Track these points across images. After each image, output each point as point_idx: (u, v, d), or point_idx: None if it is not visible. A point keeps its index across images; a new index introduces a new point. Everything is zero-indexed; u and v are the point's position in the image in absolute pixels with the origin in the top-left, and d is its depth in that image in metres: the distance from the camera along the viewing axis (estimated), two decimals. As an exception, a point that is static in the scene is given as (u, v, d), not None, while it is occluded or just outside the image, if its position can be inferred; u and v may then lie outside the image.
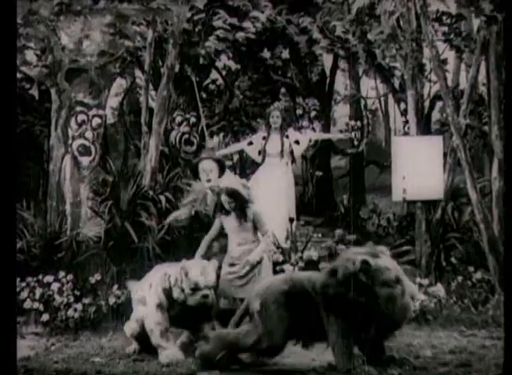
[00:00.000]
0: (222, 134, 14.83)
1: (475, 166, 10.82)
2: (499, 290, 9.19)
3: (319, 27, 12.58)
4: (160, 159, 11.29)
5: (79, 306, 8.87)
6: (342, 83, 15.42)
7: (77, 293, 9.10)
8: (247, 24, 12.48)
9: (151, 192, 10.65)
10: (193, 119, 13.10)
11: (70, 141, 10.59)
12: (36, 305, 8.97)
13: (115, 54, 10.87)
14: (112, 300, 8.97)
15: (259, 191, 9.51)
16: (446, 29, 11.86)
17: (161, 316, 7.39)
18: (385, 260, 6.72)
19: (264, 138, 10.70)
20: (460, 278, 9.61)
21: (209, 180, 8.13)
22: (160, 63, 12.25)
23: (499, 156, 9.87)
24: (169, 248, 10.46)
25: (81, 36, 10.46)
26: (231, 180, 7.81)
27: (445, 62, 11.58)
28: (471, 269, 9.77)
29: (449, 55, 12.30)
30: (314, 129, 13.62)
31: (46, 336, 8.69)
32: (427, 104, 11.85)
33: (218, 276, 7.57)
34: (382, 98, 15.48)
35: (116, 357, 7.50)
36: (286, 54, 13.51)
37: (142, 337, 7.57)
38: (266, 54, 13.49)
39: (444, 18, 11.77)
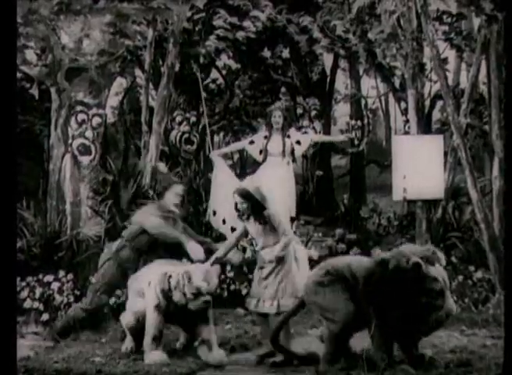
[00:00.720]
0: (222, 133, 14.83)
1: (476, 165, 10.81)
2: (500, 289, 9.18)
3: (319, 26, 12.58)
4: (160, 159, 11.30)
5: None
6: (342, 83, 15.42)
7: (77, 292, 9.09)
8: (247, 23, 12.48)
9: (151, 191, 10.65)
10: (193, 119, 13.10)
11: (70, 141, 10.58)
12: (36, 304, 8.98)
13: (116, 53, 10.86)
14: (112, 300, 8.96)
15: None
16: (446, 28, 11.86)
17: (158, 318, 7.37)
18: (437, 270, 6.71)
19: (265, 138, 10.70)
20: (460, 277, 9.60)
21: (177, 205, 8.32)
22: (160, 62, 12.25)
23: (499, 155, 9.86)
24: (169, 248, 10.46)
25: (81, 35, 10.46)
26: (247, 182, 7.76)
27: (445, 61, 11.58)
28: (472, 268, 9.76)
29: (450, 54, 12.30)
30: (314, 128, 13.62)
31: (46, 335, 8.69)
32: (427, 103, 11.86)
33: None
34: (383, 98, 15.49)
35: (116, 356, 7.49)
36: (286, 53, 13.52)
37: (136, 330, 7.57)
38: (266, 53, 13.49)
39: (445, 17, 11.77)
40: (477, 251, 10.15)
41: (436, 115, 13.08)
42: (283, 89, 14.48)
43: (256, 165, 10.91)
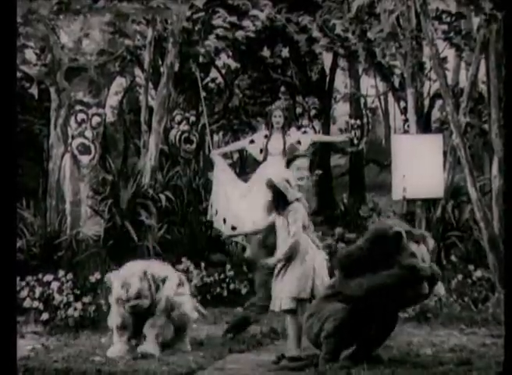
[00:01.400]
0: (221, 133, 14.85)
1: (475, 164, 10.82)
2: (500, 288, 9.19)
3: (319, 26, 12.58)
4: (160, 158, 11.30)
5: (79, 305, 8.85)
6: (342, 82, 15.46)
7: (77, 292, 9.08)
8: (246, 23, 12.48)
9: (150, 191, 10.66)
10: (192, 118, 13.11)
11: (70, 140, 10.58)
12: (36, 304, 8.97)
13: (115, 53, 10.87)
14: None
15: (260, 189, 9.50)
16: (445, 27, 11.87)
17: (119, 311, 7.48)
18: (419, 249, 6.72)
19: (265, 137, 10.71)
20: (460, 276, 9.61)
21: (302, 179, 7.91)
22: (160, 62, 12.26)
23: (499, 154, 9.87)
24: (169, 247, 10.48)
25: (81, 35, 10.46)
26: (276, 174, 7.67)
27: (445, 60, 11.58)
28: (471, 267, 9.77)
29: (449, 53, 12.31)
30: (314, 127, 13.63)
31: (46, 335, 8.69)
32: (427, 102, 11.88)
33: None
34: (382, 97, 15.53)
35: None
36: (285, 52, 13.54)
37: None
38: (266, 52, 13.51)
39: (444, 16, 11.77)
40: (476, 250, 10.17)
41: (436, 114, 13.11)
42: (283, 88, 14.50)
43: (256, 164, 10.92)
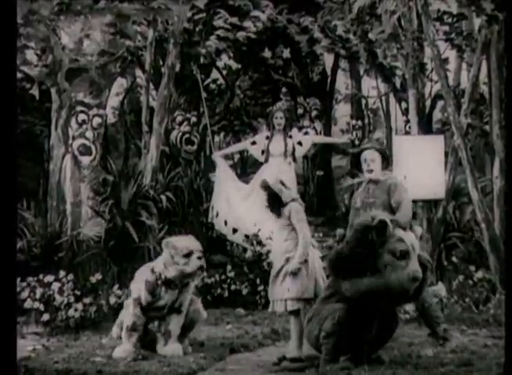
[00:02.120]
0: (222, 134, 14.83)
1: (476, 165, 10.82)
2: (501, 289, 9.18)
3: (320, 27, 12.58)
4: (161, 159, 11.30)
5: (79, 306, 8.85)
6: (343, 83, 15.41)
7: (78, 293, 9.08)
8: (247, 24, 12.47)
9: (151, 192, 10.66)
10: (193, 119, 13.10)
11: (71, 141, 10.59)
12: (36, 304, 8.96)
13: (116, 53, 10.87)
14: (112, 300, 8.97)
15: (261, 190, 9.49)
16: (447, 28, 11.85)
17: (135, 310, 7.46)
18: (407, 235, 6.72)
19: (267, 138, 10.71)
20: (461, 277, 9.60)
21: (371, 171, 7.75)
22: (161, 63, 12.26)
23: (500, 155, 9.86)
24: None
25: (81, 35, 10.46)
26: (269, 176, 7.68)
27: (446, 61, 11.57)
28: (472, 268, 9.76)
29: (451, 54, 12.29)
30: (315, 128, 13.62)
31: (46, 336, 8.69)
32: (428, 103, 11.86)
33: None
34: (383, 98, 15.46)
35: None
36: (286, 53, 13.51)
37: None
38: (267, 53, 13.48)
39: (445, 17, 11.76)
40: (477, 251, 10.16)
41: (437, 115, 13.08)
42: (284, 89, 14.48)
43: (257, 165, 10.92)
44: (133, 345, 7.46)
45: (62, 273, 9.25)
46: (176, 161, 12.57)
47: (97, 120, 10.70)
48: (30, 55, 10.44)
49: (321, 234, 11.47)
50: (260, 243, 10.32)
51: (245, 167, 14.62)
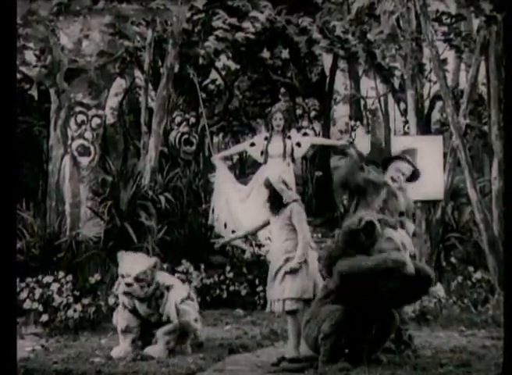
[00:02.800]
0: (221, 134, 14.84)
1: (475, 165, 10.83)
2: (499, 290, 9.19)
3: (319, 27, 12.58)
4: (159, 159, 11.30)
5: (78, 307, 8.85)
6: (342, 83, 15.44)
7: (77, 293, 9.08)
8: (246, 24, 12.47)
9: (150, 192, 10.66)
10: (192, 120, 13.10)
11: (70, 142, 10.59)
12: (35, 305, 8.96)
13: (115, 54, 10.87)
14: (111, 300, 8.96)
15: (260, 192, 9.50)
16: (445, 29, 11.86)
17: (123, 314, 7.53)
18: (399, 234, 6.73)
19: (266, 139, 10.71)
20: (459, 278, 9.61)
21: (394, 181, 7.74)
22: (159, 63, 12.25)
23: (498, 156, 9.87)
24: (169, 249, 10.47)
25: (80, 36, 10.46)
26: (272, 175, 7.67)
27: (445, 62, 11.59)
28: (471, 269, 9.77)
29: (449, 54, 12.31)
30: (314, 129, 13.64)
31: (45, 336, 8.69)
32: (427, 104, 11.87)
33: None
34: (382, 98, 15.49)
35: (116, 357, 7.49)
36: (285, 54, 13.51)
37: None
38: (266, 54, 13.48)
39: (444, 18, 11.76)
40: (476, 251, 10.17)
41: (436, 115, 13.10)
42: (283, 90, 14.49)
43: (255, 166, 10.91)
44: (130, 345, 7.49)
45: (61, 274, 9.26)
46: (175, 161, 12.58)
47: (96, 121, 10.71)
48: (29, 55, 10.44)
49: (319, 235, 11.48)
50: (259, 245, 10.34)
51: (244, 168, 14.63)
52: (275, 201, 7.35)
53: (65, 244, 10.07)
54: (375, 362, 6.78)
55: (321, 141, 12.40)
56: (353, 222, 6.78)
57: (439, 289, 9.22)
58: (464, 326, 8.73)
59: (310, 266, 7.25)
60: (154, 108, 11.34)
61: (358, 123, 10.18)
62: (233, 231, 10.21)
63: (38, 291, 9.04)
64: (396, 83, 12.76)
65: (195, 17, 12.26)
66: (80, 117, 10.63)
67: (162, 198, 10.70)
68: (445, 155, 10.22)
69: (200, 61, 12.83)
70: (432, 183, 10.06)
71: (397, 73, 12.36)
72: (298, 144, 10.71)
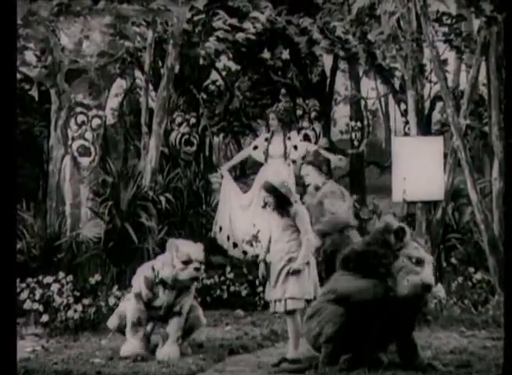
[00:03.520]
0: (222, 135, 14.83)
1: (476, 166, 10.83)
2: (500, 290, 9.18)
3: (319, 28, 12.56)
4: (160, 160, 11.30)
5: (79, 307, 8.85)
6: (342, 84, 15.42)
7: (77, 294, 9.08)
8: (247, 25, 12.46)
9: (150, 193, 10.66)
10: (193, 120, 13.10)
11: (70, 142, 10.59)
12: (36, 305, 8.96)
13: (115, 55, 10.87)
14: (111, 301, 8.96)
15: (261, 191, 9.51)
16: (446, 29, 11.86)
17: (137, 306, 7.46)
18: (420, 250, 6.80)
19: (266, 140, 10.72)
20: (460, 279, 9.61)
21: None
22: (160, 64, 12.25)
23: (499, 157, 9.87)
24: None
25: (81, 37, 10.46)
26: (273, 176, 7.70)
27: (445, 62, 11.57)
28: (472, 269, 9.76)
29: (450, 55, 12.29)
30: (314, 129, 13.62)
31: (46, 337, 8.69)
32: (427, 104, 11.85)
33: None
34: (383, 99, 15.49)
35: (116, 358, 7.49)
36: (286, 54, 13.49)
37: (121, 329, 7.65)
38: (266, 54, 13.47)
39: (444, 18, 11.76)
40: (476, 252, 10.16)
41: (436, 116, 13.09)
42: (283, 90, 14.46)
43: (256, 166, 10.92)
44: (141, 340, 7.46)
45: (61, 274, 9.26)
46: (176, 162, 12.57)
47: (96, 121, 10.71)
48: (30, 56, 10.44)
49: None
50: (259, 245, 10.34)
51: (244, 168, 14.62)
52: (280, 204, 7.36)
53: (66, 245, 10.07)
54: (376, 363, 6.78)
55: (316, 150, 12.40)
56: (388, 222, 6.82)
57: (439, 290, 9.21)
58: (464, 326, 8.73)
59: (312, 267, 7.27)
60: (154, 108, 11.33)
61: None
62: (234, 244, 10.27)
63: (38, 292, 9.04)
64: (397, 83, 12.75)
65: (195, 18, 12.24)
66: (81, 118, 10.63)
67: (163, 199, 10.70)
68: (445, 155, 10.22)
69: (201, 61, 12.83)
70: (433, 183, 10.07)
71: (398, 73, 12.35)
72: (295, 147, 10.74)
